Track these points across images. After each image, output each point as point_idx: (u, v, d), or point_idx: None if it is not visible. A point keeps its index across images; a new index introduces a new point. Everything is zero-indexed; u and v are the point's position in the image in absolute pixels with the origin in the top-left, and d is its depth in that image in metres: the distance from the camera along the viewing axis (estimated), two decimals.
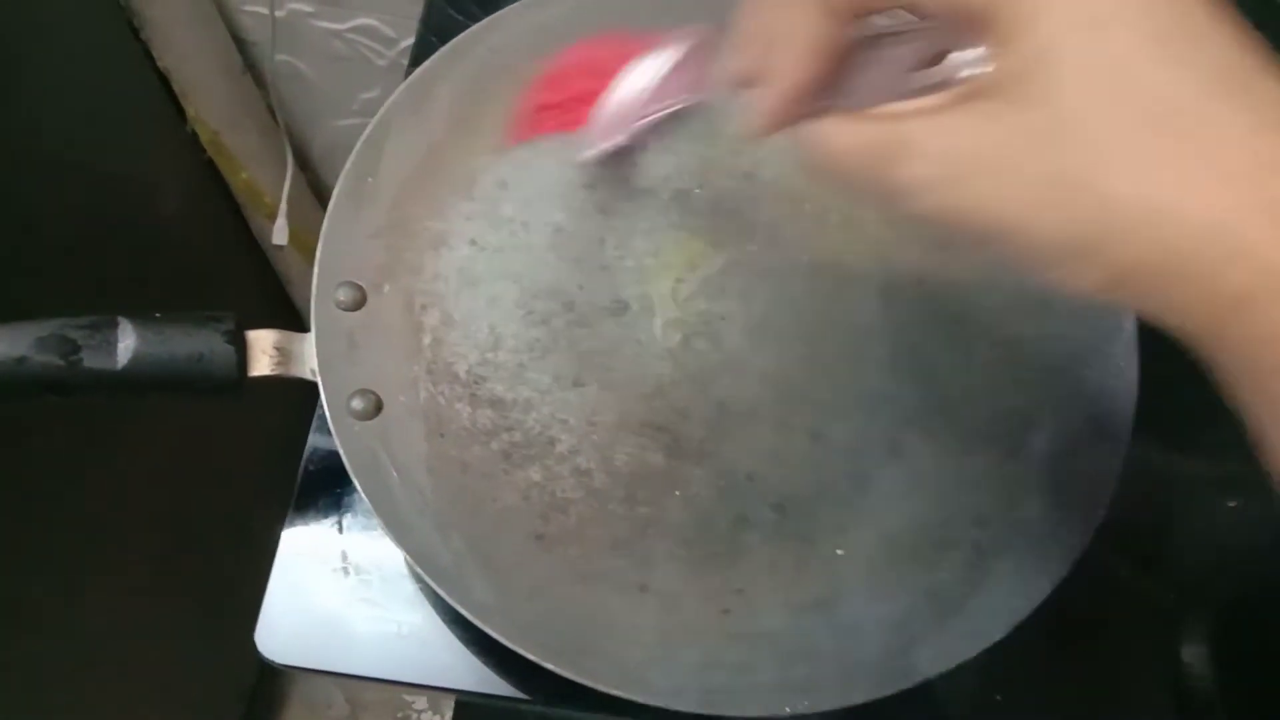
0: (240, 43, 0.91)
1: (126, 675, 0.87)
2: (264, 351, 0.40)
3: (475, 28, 0.46)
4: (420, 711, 1.27)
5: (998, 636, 0.37)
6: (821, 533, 0.40)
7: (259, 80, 0.94)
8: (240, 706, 1.11)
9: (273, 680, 1.22)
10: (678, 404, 0.42)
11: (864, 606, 0.38)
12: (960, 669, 0.37)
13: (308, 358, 0.40)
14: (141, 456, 0.82)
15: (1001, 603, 0.38)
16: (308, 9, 0.86)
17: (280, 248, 1.00)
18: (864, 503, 0.40)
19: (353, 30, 0.87)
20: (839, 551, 0.39)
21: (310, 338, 0.40)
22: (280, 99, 0.94)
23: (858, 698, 0.36)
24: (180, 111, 0.91)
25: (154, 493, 0.85)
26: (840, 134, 0.27)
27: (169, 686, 0.94)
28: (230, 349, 0.39)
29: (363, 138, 0.44)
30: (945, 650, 0.37)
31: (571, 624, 0.38)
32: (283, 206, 0.96)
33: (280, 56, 0.91)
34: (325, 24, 0.87)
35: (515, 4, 0.47)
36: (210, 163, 0.96)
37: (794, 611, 0.38)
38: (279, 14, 0.86)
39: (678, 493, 0.40)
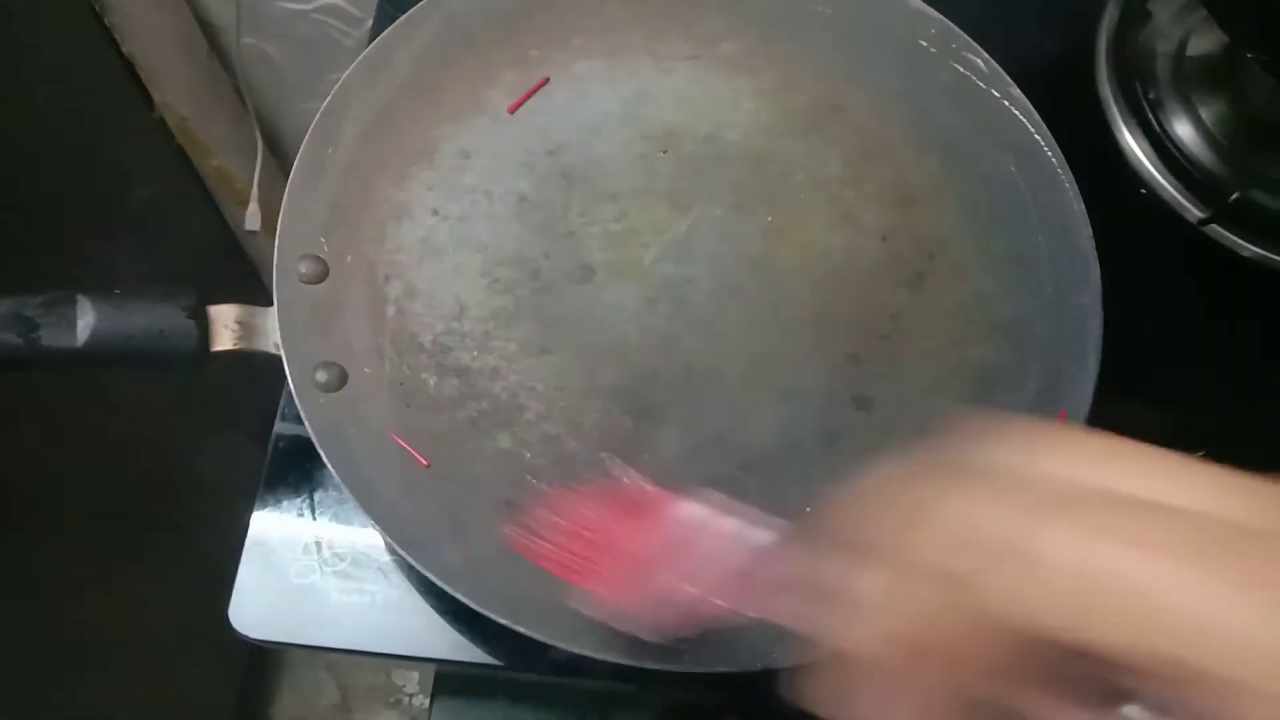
0: (205, 26, 0.90)
1: (112, 668, 0.87)
2: (226, 326, 0.40)
3: None
4: (411, 695, 1.28)
5: None
6: (789, 490, 0.40)
7: (226, 64, 0.94)
8: (231, 696, 1.11)
9: (263, 669, 1.22)
10: (645, 368, 0.42)
11: None
12: None
13: (271, 331, 0.40)
14: (113, 443, 0.81)
15: None
16: None
17: (253, 233, 0.99)
18: (831, 459, 0.40)
19: (318, 10, 0.86)
20: (807, 509, 0.39)
21: (273, 311, 0.40)
22: (248, 83, 0.93)
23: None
24: (148, 98, 0.90)
25: (128, 479, 0.84)
26: None
27: (156, 678, 0.94)
28: (191, 324, 0.38)
29: (321, 109, 0.44)
30: None
31: (540, 587, 0.37)
32: (254, 192, 0.96)
33: (246, 39, 0.90)
34: (290, 5, 0.86)
35: None
36: (180, 149, 0.96)
37: None
38: None
39: (646, 455, 0.40)
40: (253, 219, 0.96)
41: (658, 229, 0.45)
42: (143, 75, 0.88)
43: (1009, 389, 0.42)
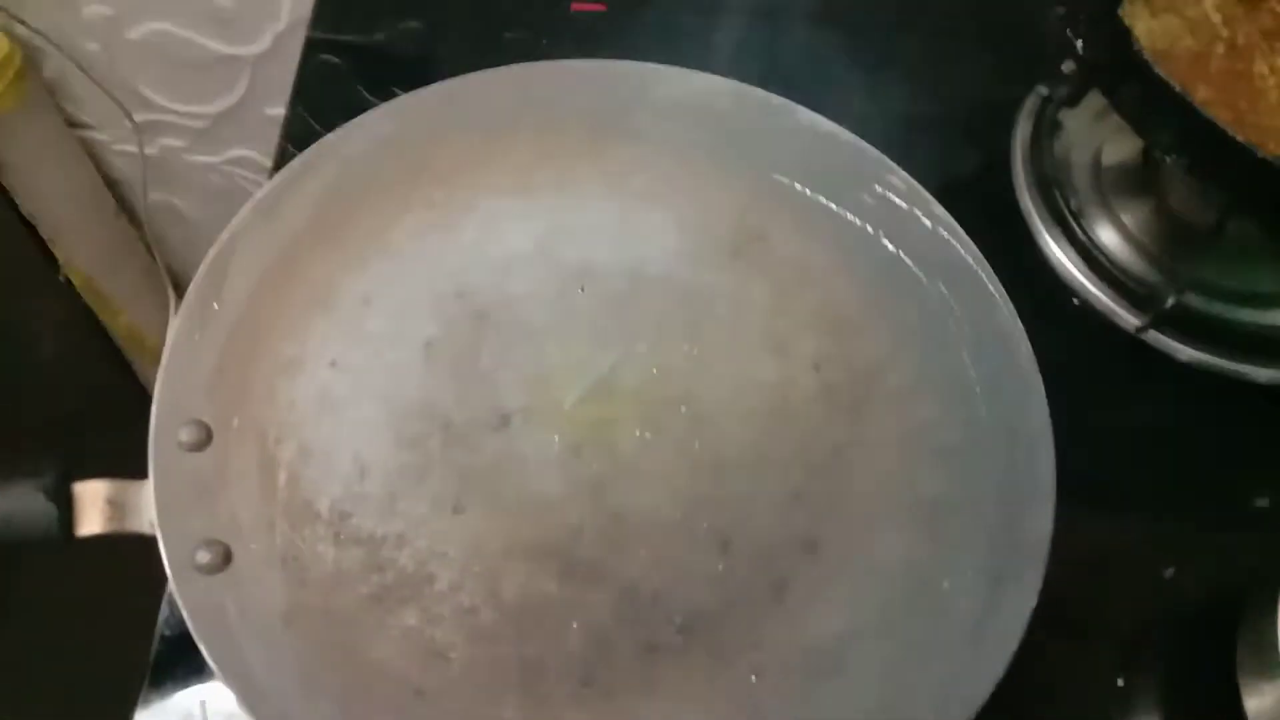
0: (111, 183, 0.88)
1: None
2: (94, 505, 0.35)
3: (327, 138, 0.44)
4: None
5: None
6: (735, 651, 0.36)
7: (134, 220, 0.91)
8: None
9: None
10: (570, 521, 0.38)
11: None
12: None
13: (145, 508, 0.36)
14: None
15: (936, 707, 0.34)
16: (179, 144, 0.83)
17: None
18: (777, 610, 0.36)
19: (228, 162, 0.84)
20: (753, 678, 0.35)
21: (148, 485, 0.36)
22: (158, 238, 0.90)
23: None
24: (52, 258, 0.87)
25: None
26: None
27: None
28: (50, 506, 0.34)
29: (206, 260, 0.41)
30: None
31: None
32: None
33: (155, 195, 0.88)
34: (199, 158, 0.84)
35: (370, 111, 0.45)
36: (88, 308, 0.92)
37: None
38: (150, 151, 0.83)
39: (575, 624, 0.36)
40: None
41: (578, 369, 0.42)
42: (45, 234, 0.85)
43: (964, 519, 0.39)
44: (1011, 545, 0.38)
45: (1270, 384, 0.51)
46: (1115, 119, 0.57)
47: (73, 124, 0.83)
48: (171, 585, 0.34)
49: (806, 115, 0.47)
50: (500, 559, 0.37)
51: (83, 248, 0.87)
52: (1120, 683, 0.44)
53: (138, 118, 0.80)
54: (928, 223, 0.45)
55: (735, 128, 0.47)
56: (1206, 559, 0.47)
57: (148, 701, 0.41)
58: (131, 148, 0.83)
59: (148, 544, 0.36)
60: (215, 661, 0.33)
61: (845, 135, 0.46)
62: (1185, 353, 0.51)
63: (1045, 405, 0.41)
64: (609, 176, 0.45)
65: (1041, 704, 0.43)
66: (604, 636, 0.36)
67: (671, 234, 0.45)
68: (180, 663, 0.42)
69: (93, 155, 0.85)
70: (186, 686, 0.41)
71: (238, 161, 0.83)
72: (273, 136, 0.81)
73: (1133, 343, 0.52)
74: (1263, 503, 0.49)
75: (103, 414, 0.95)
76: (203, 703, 0.40)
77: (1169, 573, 0.47)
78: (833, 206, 0.45)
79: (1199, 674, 0.44)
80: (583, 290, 0.43)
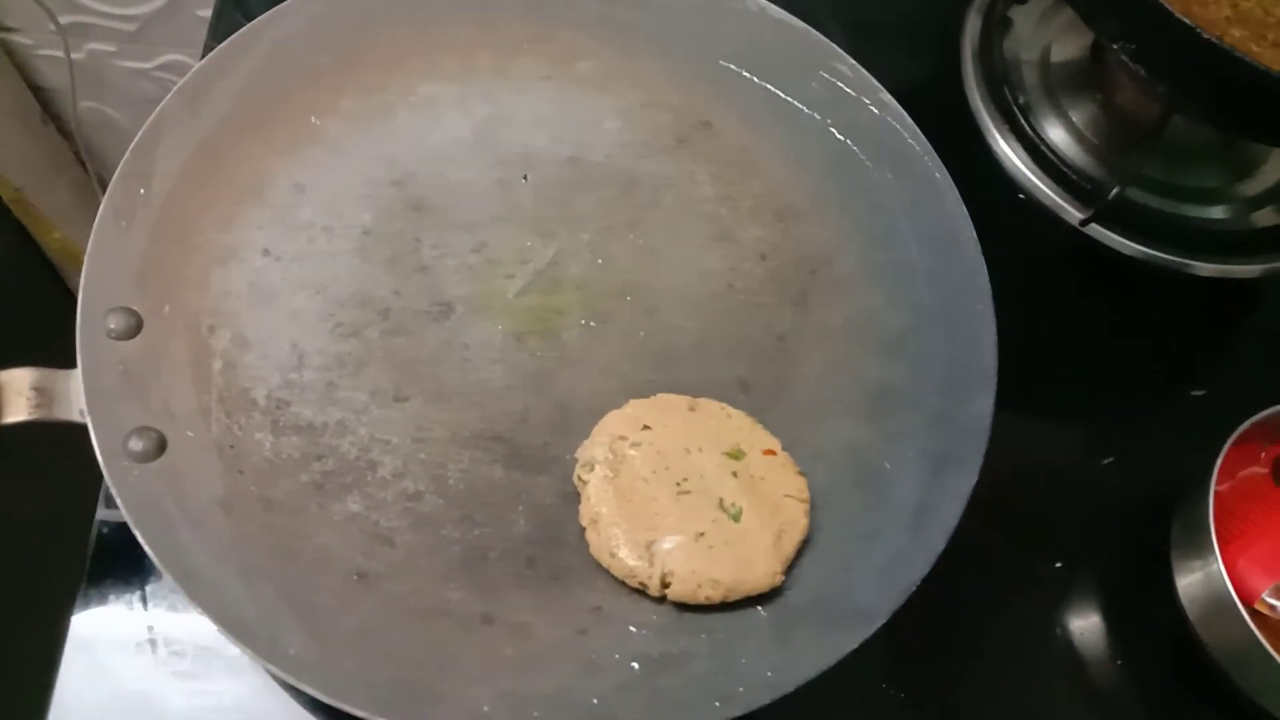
0: (38, 90, 0.84)
1: None
2: (20, 393, 0.34)
3: (257, 21, 0.42)
4: None
5: (880, 623, 0.34)
6: None
7: (64, 130, 0.87)
8: None
9: None
10: (514, 409, 0.38)
11: (733, 610, 0.34)
12: (847, 663, 0.34)
13: (74, 397, 0.35)
14: None
15: (879, 587, 0.35)
16: (108, 48, 0.79)
17: None
18: None
19: (160, 68, 0.81)
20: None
21: (77, 374, 0.35)
22: (89, 149, 0.87)
23: (735, 710, 0.32)
24: None
25: None
26: None
27: None
28: None
29: (132, 145, 0.39)
30: (822, 648, 0.33)
31: (406, 669, 0.33)
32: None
33: (84, 103, 0.84)
34: (129, 64, 0.81)
35: None
36: (19, 224, 0.88)
37: (659, 623, 0.34)
38: (77, 56, 0.80)
39: (520, 507, 0.36)
40: None
41: (521, 258, 0.41)
42: None
43: (907, 407, 0.39)
44: (953, 429, 0.38)
45: (1212, 277, 0.51)
46: (1064, 16, 0.56)
47: None
48: (104, 473, 0.33)
49: (754, 1, 0.45)
50: (444, 446, 0.37)
51: (9, 159, 0.83)
52: (1058, 565, 0.45)
53: (62, 19, 0.76)
54: (875, 111, 0.44)
55: (682, 13, 0.45)
56: (1145, 447, 0.48)
57: (87, 596, 0.40)
58: (58, 52, 0.79)
59: (83, 436, 0.35)
60: (152, 550, 0.33)
61: (793, 21, 0.45)
62: (1129, 247, 0.51)
63: (989, 292, 0.41)
64: (552, 61, 0.44)
65: (983, 587, 0.44)
66: (549, 519, 0.36)
67: (616, 121, 0.44)
68: (118, 558, 0.41)
69: (15, 60, 0.81)
70: (126, 581, 0.40)
71: (170, 67, 0.80)
72: (203, 39, 0.77)
73: (1077, 237, 0.52)
74: (1199, 393, 0.50)
75: (39, 333, 0.92)
76: (143, 593, 0.40)
77: (1108, 460, 0.48)
78: (780, 94, 0.45)
79: (1134, 555, 0.45)
80: (526, 179, 0.42)
